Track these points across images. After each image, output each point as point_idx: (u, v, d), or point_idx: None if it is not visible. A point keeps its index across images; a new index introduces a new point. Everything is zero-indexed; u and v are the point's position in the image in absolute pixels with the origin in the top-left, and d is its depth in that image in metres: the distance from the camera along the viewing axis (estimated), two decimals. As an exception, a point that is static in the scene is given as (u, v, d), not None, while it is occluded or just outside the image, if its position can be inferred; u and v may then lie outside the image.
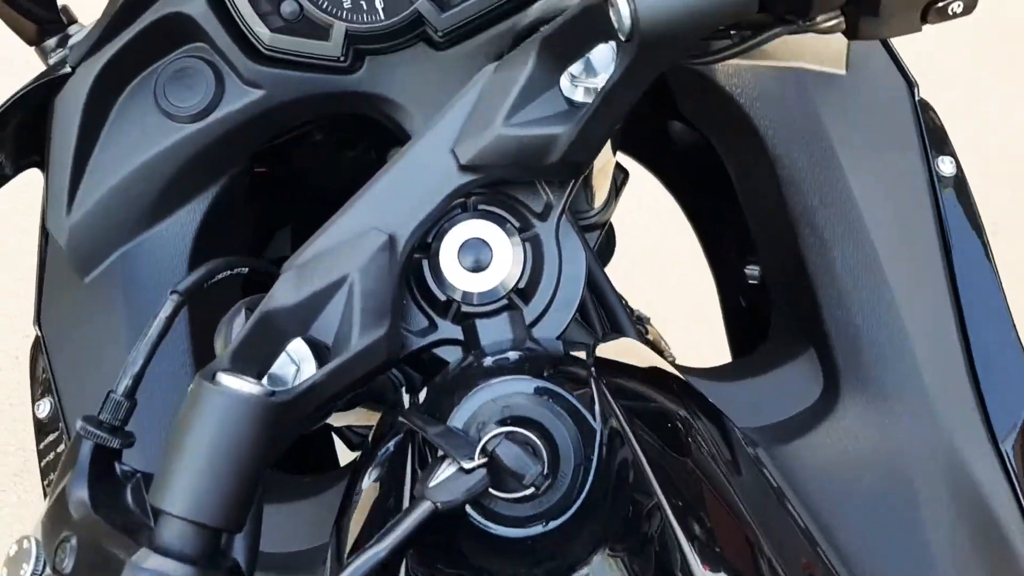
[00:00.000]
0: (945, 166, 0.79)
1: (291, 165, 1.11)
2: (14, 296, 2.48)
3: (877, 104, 0.80)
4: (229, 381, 0.54)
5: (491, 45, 0.82)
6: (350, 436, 1.11)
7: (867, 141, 0.79)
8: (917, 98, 0.81)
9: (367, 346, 0.61)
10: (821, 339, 0.77)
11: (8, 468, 2.26)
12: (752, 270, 1.11)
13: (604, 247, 1.18)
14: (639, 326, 1.49)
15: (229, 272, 0.69)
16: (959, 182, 0.80)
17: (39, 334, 0.84)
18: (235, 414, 0.53)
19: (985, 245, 0.80)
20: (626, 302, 1.52)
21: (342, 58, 0.79)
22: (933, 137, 0.80)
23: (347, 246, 0.64)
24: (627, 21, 0.54)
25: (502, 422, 0.57)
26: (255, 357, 0.59)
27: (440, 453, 0.56)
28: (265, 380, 0.61)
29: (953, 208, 0.78)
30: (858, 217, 0.77)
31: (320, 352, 0.63)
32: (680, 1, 0.53)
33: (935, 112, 0.82)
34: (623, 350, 0.75)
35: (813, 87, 0.80)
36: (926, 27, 0.57)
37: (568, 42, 0.62)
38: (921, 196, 0.78)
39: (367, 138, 1.13)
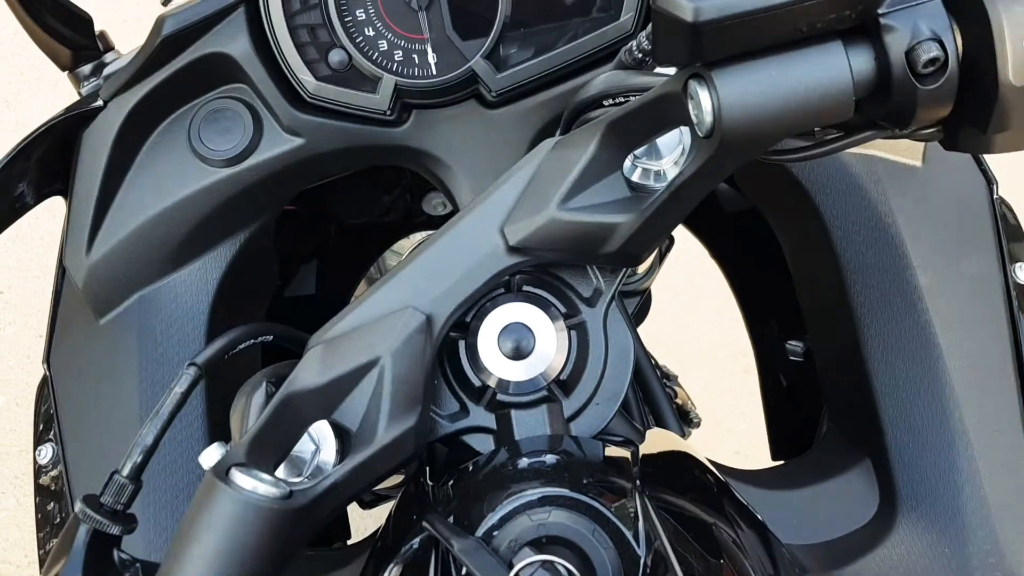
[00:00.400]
0: (1023, 274, 0.74)
1: (323, 203, 1.07)
2: (33, 294, 2.45)
3: (953, 201, 0.75)
4: (244, 481, 0.49)
5: (544, 108, 0.78)
6: (362, 495, 1.06)
7: (941, 241, 0.74)
8: (996, 197, 0.76)
9: (394, 439, 0.57)
10: (879, 451, 0.72)
11: (10, 470, 2.22)
12: (795, 346, 1.06)
13: (640, 310, 1.13)
14: (668, 388, 1.43)
15: (252, 341, 0.64)
16: None
17: (47, 374, 0.80)
18: (248, 519, 0.48)
19: None
20: (655, 361, 1.47)
21: (389, 112, 0.75)
22: (1012, 241, 0.74)
23: (381, 324, 0.59)
24: (708, 118, 0.49)
25: (536, 542, 0.52)
26: (273, 445, 0.55)
27: (466, 571, 0.51)
28: (282, 468, 0.57)
29: None
30: (927, 323, 0.72)
31: (342, 435, 0.59)
32: (769, 99, 0.48)
33: (1014, 213, 0.77)
34: (663, 445, 0.70)
35: (886, 178, 0.75)
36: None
37: (637, 127, 0.57)
38: (995, 305, 0.72)
39: (404, 182, 1.09)
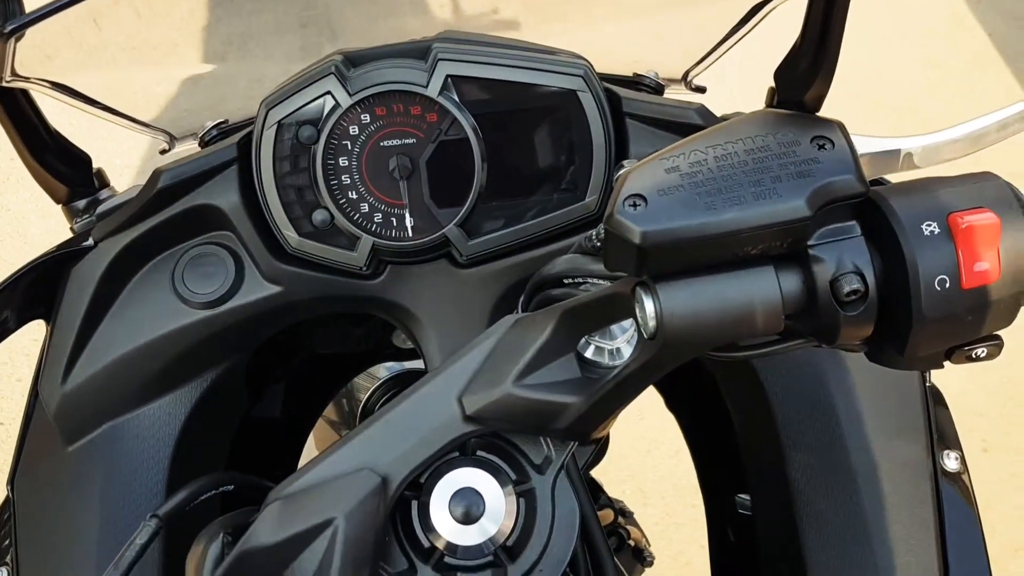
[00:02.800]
0: (950, 462, 0.78)
1: (295, 335, 1.10)
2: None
3: (888, 386, 0.80)
4: None
5: (510, 271, 0.83)
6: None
7: (875, 424, 0.78)
8: (928, 384, 0.81)
9: None
10: None
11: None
12: (744, 499, 1.09)
13: (595, 456, 1.16)
14: (622, 528, 1.45)
15: (214, 492, 0.67)
16: (961, 478, 0.79)
17: (10, 496, 0.82)
18: None
19: (983, 542, 0.78)
20: (607, 497, 1.49)
21: (365, 268, 0.80)
22: (941, 428, 0.79)
23: (337, 484, 0.62)
24: (652, 322, 0.53)
25: None
26: None
27: None
28: None
29: (953, 504, 0.77)
30: (858, 503, 0.76)
31: None
32: (707, 312, 0.53)
33: (944, 401, 0.82)
34: None
35: (826, 360, 0.80)
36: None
37: (590, 317, 0.61)
38: (923, 489, 0.77)
39: (375, 318, 1.13)
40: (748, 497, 1.07)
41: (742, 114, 0.86)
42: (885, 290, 0.53)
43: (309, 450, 1.26)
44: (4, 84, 0.70)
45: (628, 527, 1.46)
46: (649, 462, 2.52)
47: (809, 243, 0.53)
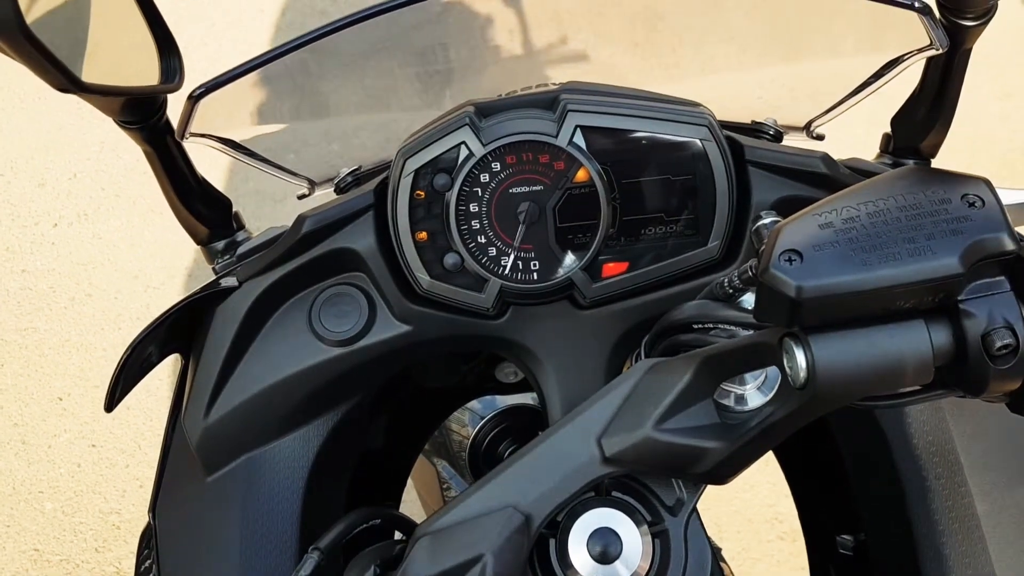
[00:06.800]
0: None
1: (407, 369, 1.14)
2: (91, 403, 2.53)
3: (1006, 431, 0.80)
4: None
5: (630, 313, 0.85)
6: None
7: (997, 470, 0.79)
8: None
9: None
10: None
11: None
12: (845, 540, 1.09)
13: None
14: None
15: (365, 525, 0.70)
16: None
17: (152, 523, 0.86)
18: None
19: None
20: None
21: (491, 309, 0.83)
22: None
23: (484, 522, 0.65)
24: (803, 374, 0.55)
25: None
26: None
27: None
28: None
29: None
30: (984, 549, 0.76)
31: None
32: (859, 365, 0.54)
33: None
34: None
35: (947, 406, 0.80)
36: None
37: (731, 364, 0.63)
38: None
39: (482, 353, 1.16)
40: (851, 538, 1.07)
41: (864, 161, 0.88)
42: None
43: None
44: (185, 141, 0.75)
45: (720, 564, 1.46)
46: (724, 495, 2.50)
47: (959, 298, 0.54)
